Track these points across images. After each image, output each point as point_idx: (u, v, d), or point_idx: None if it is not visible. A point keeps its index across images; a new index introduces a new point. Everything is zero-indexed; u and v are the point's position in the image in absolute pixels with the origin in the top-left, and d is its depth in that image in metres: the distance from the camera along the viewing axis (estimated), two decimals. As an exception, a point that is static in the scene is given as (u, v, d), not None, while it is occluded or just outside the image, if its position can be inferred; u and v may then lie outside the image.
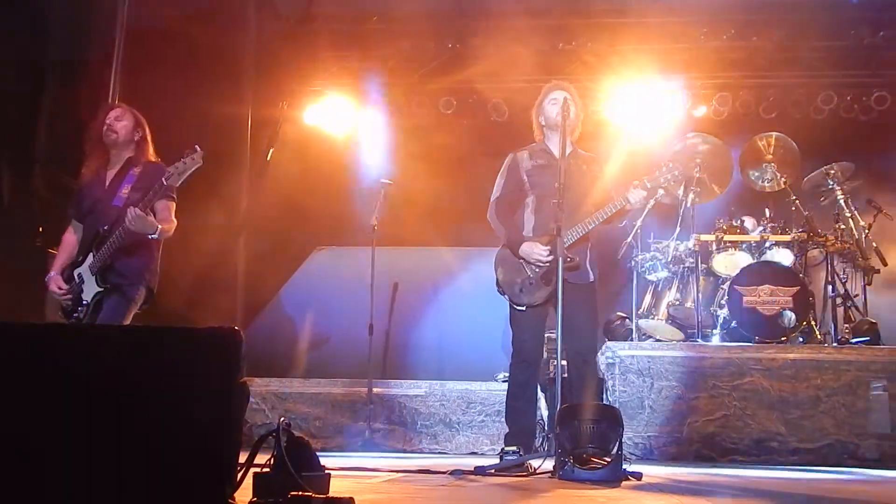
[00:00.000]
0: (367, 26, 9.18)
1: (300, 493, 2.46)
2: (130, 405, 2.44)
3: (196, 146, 4.44)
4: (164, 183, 4.43)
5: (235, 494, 2.49)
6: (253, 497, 2.64)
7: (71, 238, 4.93)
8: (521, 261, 4.88)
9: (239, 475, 2.56)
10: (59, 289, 4.73)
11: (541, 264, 4.81)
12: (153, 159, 4.88)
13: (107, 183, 4.82)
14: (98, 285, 4.63)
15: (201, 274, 7.33)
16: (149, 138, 4.97)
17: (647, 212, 7.56)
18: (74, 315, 4.74)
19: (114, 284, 4.64)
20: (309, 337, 8.52)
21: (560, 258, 4.44)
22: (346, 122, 9.68)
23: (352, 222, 8.12)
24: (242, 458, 2.61)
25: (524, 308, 4.86)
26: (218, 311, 6.25)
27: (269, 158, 9.62)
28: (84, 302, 4.68)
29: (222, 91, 8.26)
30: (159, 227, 4.58)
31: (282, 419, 2.84)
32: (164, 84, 7.11)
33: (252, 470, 2.67)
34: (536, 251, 4.83)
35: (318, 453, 2.93)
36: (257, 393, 6.72)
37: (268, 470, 2.72)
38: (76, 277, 4.71)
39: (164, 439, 2.40)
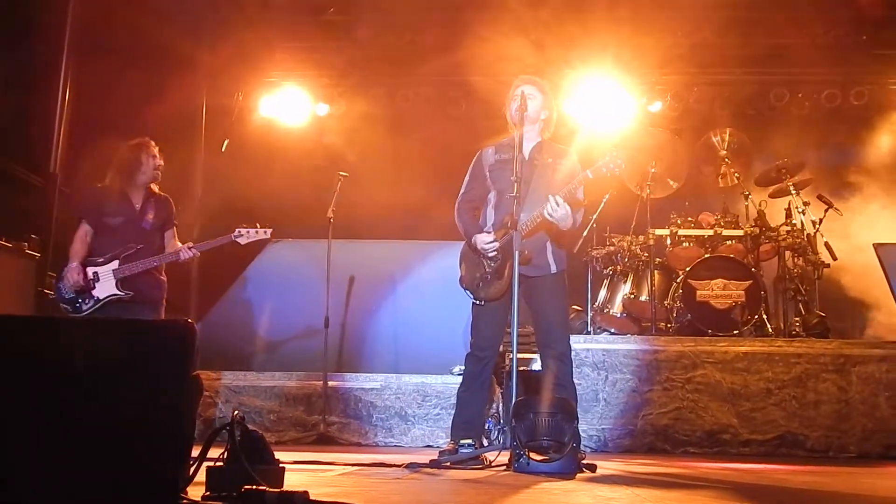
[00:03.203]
0: (323, 17, 9.10)
1: (254, 486, 2.43)
2: (81, 397, 2.39)
3: (270, 229, 5.63)
4: (232, 238, 5.59)
5: (189, 488, 2.46)
6: (206, 491, 2.61)
7: (85, 237, 5.53)
8: (478, 255, 4.89)
9: (192, 469, 2.53)
10: (78, 281, 5.36)
11: (488, 254, 4.82)
12: (167, 198, 5.74)
13: (137, 206, 5.58)
14: (118, 289, 5.40)
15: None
16: None
17: (603, 206, 7.63)
18: (77, 305, 5.38)
19: (140, 295, 5.43)
20: (264, 330, 8.44)
21: (516, 252, 4.44)
22: (301, 113, 9.61)
23: (307, 215, 8.04)
24: (196, 451, 2.58)
25: (482, 302, 4.87)
26: (171, 304, 6.18)
27: (223, 150, 9.51)
28: (95, 297, 5.39)
29: (176, 81, 8.13)
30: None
31: (235, 413, 2.81)
32: (116, 74, 6.98)
33: (205, 464, 2.64)
34: (482, 239, 4.83)
35: (272, 447, 2.90)
36: (211, 386, 6.64)
37: (221, 464, 2.69)
38: (91, 274, 5.41)
39: (115, 432, 2.37)
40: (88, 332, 2.56)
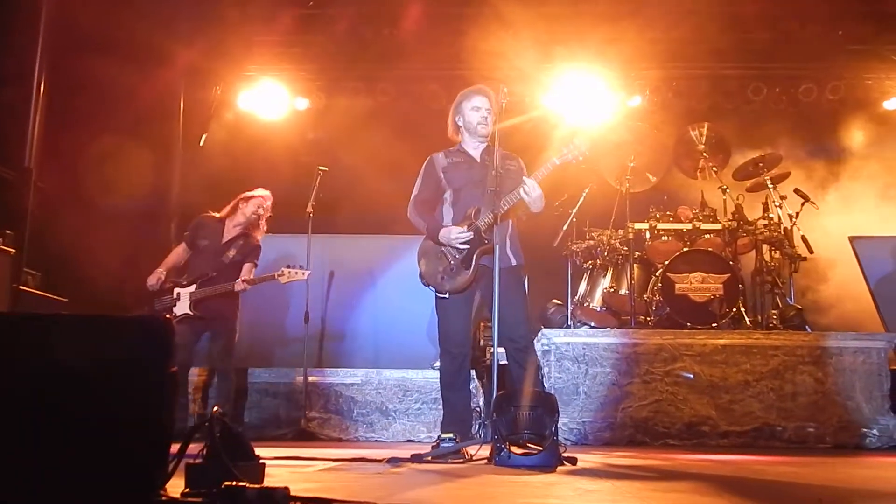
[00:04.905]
0: (302, 11, 9.04)
1: (234, 483, 2.42)
2: (59, 393, 2.37)
3: (309, 270, 6.38)
4: (275, 277, 6.30)
5: (168, 485, 2.44)
6: (185, 488, 2.59)
7: (179, 253, 6.52)
8: (443, 248, 4.93)
9: (171, 466, 2.51)
10: (154, 284, 6.26)
11: (461, 245, 4.86)
12: (255, 241, 6.55)
13: (223, 240, 6.44)
14: (189, 310, 6.20)
15: (132, 261, 7.17)
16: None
17: (583, 200, 7.65)
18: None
19: (210, 313, 6.21)
20: (243, 326, 8.39)
21: (497, 246, 4.47)
22: (280, 107, 9.55)
23: (287, 209, 8.01)
24: (175, 448, 2.56)
25: (447, 295, 4.89)
26: (149, 300, 6.19)
27: (201, 144, 9.44)
28: (175, 313, 6.17)
29: (153, 75, 8.06)
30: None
31: (215, 409, 2.79)
32: (91, 68, 6.91)
33: (184, 460, 2.62)
34: (454, 233, 4.90)
35: (252, 443, 2.89)
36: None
37: (201, 460, 2.67)
38: (175, 294, 6.26)
39: (92, 428, 2.35)
40: (65, 328, 2.53)
